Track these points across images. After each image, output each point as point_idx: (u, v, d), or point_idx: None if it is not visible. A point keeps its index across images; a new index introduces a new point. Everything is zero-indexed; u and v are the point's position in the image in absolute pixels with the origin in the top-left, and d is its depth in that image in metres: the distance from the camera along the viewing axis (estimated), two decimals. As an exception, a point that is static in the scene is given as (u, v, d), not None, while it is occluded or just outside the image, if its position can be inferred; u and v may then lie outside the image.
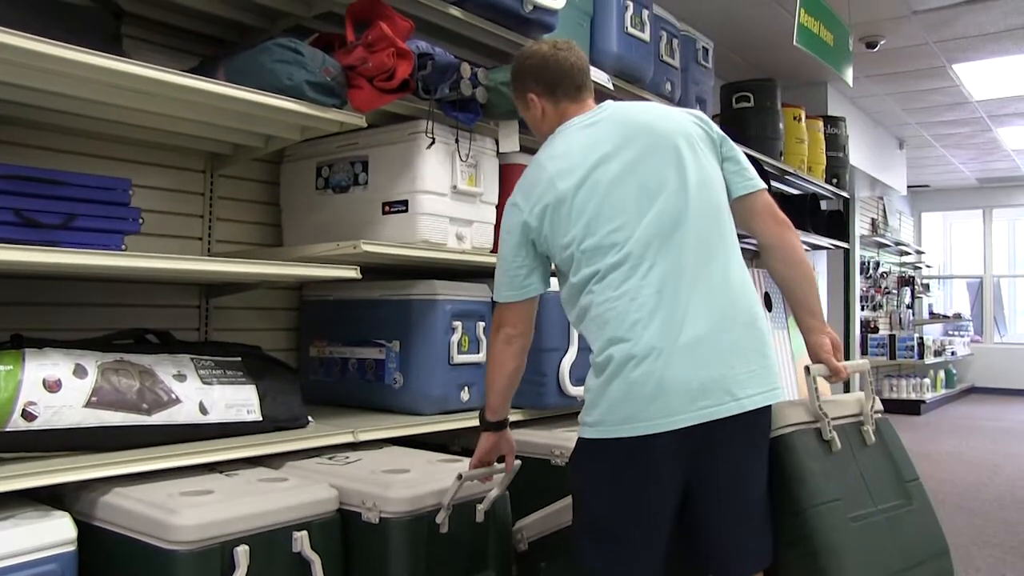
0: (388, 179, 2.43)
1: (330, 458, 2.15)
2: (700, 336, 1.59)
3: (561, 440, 2.50)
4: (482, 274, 2.68)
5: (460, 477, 1.91)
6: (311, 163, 2.62)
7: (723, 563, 1.69)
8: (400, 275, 2.62)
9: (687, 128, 1.74)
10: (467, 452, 2.64)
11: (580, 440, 1.70)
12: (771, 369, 1.67)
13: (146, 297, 2.44)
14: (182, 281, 2.47)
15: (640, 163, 1.68)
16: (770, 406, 1.69)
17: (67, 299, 2.27)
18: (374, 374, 2.54)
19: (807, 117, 5.71)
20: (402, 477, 1.98)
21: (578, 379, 2.67)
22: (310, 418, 2.24)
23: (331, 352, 2.66)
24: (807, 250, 6.42)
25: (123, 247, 1.96)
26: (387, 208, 2.42)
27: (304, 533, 1.74)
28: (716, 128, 1.80)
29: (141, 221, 2.01)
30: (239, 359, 2.11)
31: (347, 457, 2.16)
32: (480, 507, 2.01)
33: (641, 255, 1.62)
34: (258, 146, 2.46)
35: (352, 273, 2.18)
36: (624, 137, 1.71)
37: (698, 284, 1.62)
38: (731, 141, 1.82)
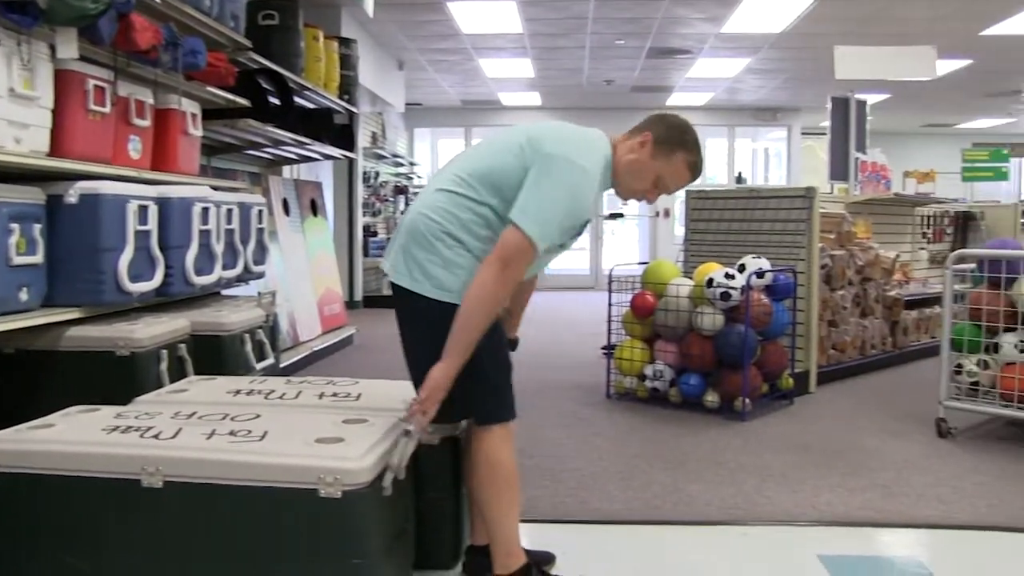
0: (-68, 76, 2.35)
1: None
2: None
3: (124, 333, 2.73)
4: (37, 178, 2.72)
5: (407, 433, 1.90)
6: None
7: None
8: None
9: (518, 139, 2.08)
10: (21, 353, 2.71)
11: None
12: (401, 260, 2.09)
13: None
14: None
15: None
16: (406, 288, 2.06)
17: None
18: (-83, 276, 2.47)
19: (324, 37, 6.17)
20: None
21: (134, 276, 2.86)
22: None
23: None
24: (319, 160, 7.00)
25: None
26: (-68, 106, 2.35)
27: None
28: (541, 150, 2.01)
29: None
30: None
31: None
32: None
33: None
34: None
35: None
36: None
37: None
38: (537, 170, 2.00)
